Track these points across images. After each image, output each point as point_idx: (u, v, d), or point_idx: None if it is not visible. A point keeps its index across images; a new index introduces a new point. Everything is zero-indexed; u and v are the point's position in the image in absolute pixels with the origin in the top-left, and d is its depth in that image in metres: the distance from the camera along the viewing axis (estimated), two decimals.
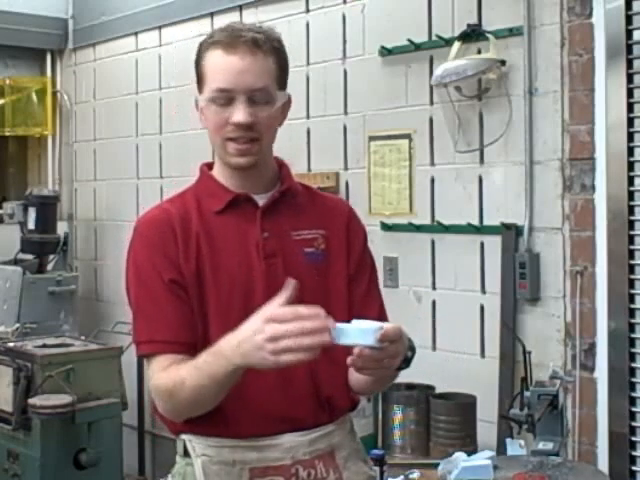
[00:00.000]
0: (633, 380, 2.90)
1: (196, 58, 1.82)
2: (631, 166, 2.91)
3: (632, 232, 2.91)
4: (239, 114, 1.71)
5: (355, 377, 1.80)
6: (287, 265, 1.78)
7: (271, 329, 1.47)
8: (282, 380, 1.73)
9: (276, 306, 1.50)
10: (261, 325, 1.48)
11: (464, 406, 3.10)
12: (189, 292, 1.74)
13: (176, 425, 1.79)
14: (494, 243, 3.23)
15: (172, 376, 1.68)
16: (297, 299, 1.53)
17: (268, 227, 1.80)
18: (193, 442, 1.77)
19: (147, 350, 1.74)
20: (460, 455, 2.77)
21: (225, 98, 1.73)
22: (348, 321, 1.56)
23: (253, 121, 1.72)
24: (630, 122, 2.90)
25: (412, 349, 1.73)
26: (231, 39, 1.73)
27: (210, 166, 1.90)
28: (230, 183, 1.82)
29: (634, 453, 2.90)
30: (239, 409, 1.73)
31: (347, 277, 1.85)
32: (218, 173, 1.84)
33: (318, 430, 1.80)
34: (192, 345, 1.71)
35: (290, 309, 1.48)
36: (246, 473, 1.73)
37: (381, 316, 1.89)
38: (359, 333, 1.51)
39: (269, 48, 1.74)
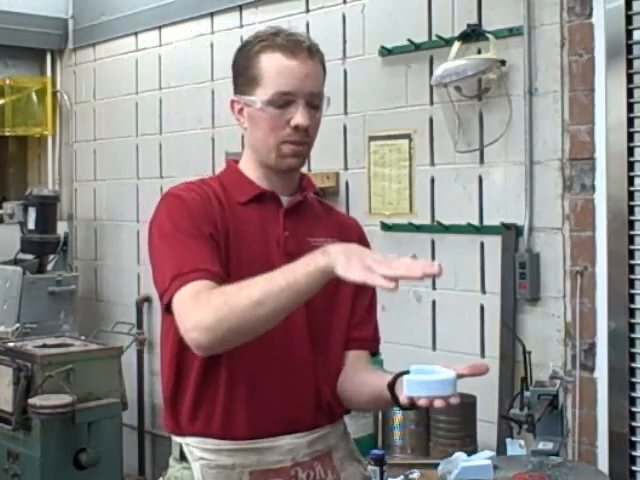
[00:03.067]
0: (633, 380, 2.90)
1: (243, 60, 1.82)
2: (631, 166, 2.91)
3: (632, 232, 2.91)
4: (301, 117, 1.76)
5: (353, 390, 1.82)
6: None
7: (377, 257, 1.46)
8: (285, 382, 1.74)
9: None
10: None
11: (464, 406, 3.10)
12: (221, 251, 1.72)
13: (176, 421, 1.77)
14: (494, 243, 3.23)
15: (215, 291, 1.59)
16: (308, 301, 1.61)
17: (289, 227, 1.84)
18: (190, 446, 1.76)
19: (176, 285, 1.63)
20: (460, 455, 2.77)
21: (285, 101, 1.76)
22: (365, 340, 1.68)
23: (310, 124, 1.79)
24: (630, 122, 2.90)
25: None
26: (292, 44, 1.78)
27: (236, 162, 1.93)
28: (261, 182, 1.85)
29: (634, 453, 2.90)
30: (241, 409, 1.74)
31: (354, 290, 1.86)
32: (248, 170, 1.87)
33: (316, 432, 1.81)
34: (224, 280, 1.64)
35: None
36: (246, 477, 1.73)
37: (375, 335, 1.96)
38: (439, 385, 1.52)
39: (320, 55, 1.83)
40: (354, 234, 1.97)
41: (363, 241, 1.98)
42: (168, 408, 1.80)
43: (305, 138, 1.80)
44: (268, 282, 1.55)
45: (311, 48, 1.79)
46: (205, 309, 1.58)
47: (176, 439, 1.79)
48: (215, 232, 1.73)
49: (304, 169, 4.00)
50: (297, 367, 1.80)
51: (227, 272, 1.71)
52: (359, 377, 1.83)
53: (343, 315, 1.88)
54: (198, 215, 1.73)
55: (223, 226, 1.76)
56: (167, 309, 1.68)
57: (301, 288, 1.54)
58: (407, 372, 1.59)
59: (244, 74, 1.81)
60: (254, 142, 1.83)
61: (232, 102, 1.85)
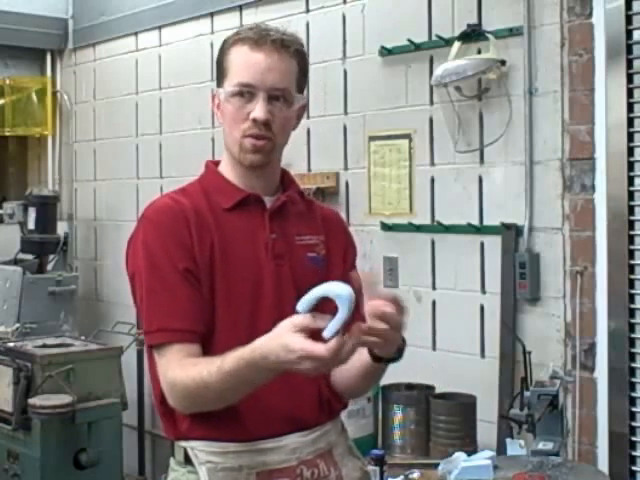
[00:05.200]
0: (633, 380, 2.90)
1: (219, 54, 1.82)
2: (631, 166, 2.91)
3: (632, 232, 2.91)
4: (259, 111, 1.73)
5: (344, 377, 1.83)
6: (293, 267, 1.82)
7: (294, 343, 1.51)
8: (288, 380, 1.72)
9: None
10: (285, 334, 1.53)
11: (464, 406, 3.10)
12: (202, 282, 1.72)
13: (177, 429, 1.76)
14: (494, 243, 3.23)
15: (192, 374, 1.64)
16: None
17: (276, 229, 1.82)
18: (195, 449, 1.74)
19: (160, 339, 1.70)
20: (460, 455, 2.77)
21: (246, 94, 1.75)
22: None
23: (270, 119, 1.75)
24: (630, 122, 2.90)
25: (403, 340, 1.77)
26: (259, 37, 1.75)
27: (216, 164, 1.90)
28: (240, 182, 1.83)
29: (634, 453, 2.90)
30: (245, 410, 1.73)
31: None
32: (227, 171, 1.85)
33: (318, 429, 1.82)
34: (203, 336, 1.71)
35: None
36: (253, 478, 1.73)
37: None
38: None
39: (294, 50, 1.78)
40: (340, 229, 1.99)
41: (347, 233, 2.01)
42: (168, 416, 1.77)
43: (266, 133, 1.75)
44: (222, 380, 1.60)
45: (280, 42, 1.75)
46: (179, 394, 1.68)
47: (180, 443, 1.77)
48: (192, 264, 1.71)
49: (304, 169, 4.02)
50: None
51: (215, 286, 1.73)
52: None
53: None
54: (172, 246, 1.72)
55: (201, 248, 1.73)
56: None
57: (253, 385, 1.65)
58: None
59: (218, 68, 1.81)
60: (225, 137, 1.82)
61: (212, 97, 1.84)
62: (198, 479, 1.73)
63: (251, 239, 1.80)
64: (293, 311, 1.62)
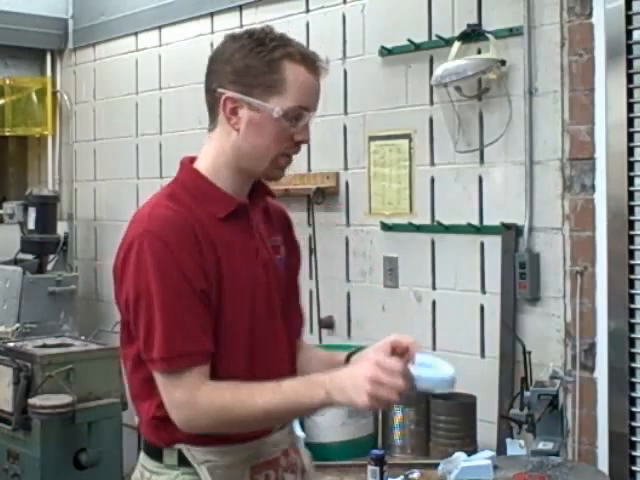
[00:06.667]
0: (633, 380, 2.90)
1: (258, 62, 1.72)
2: (631, 166, 2.90)
3: (632, 232, 2.90)
4: (307, 135, 1.76)
5: (310, 368, 1.93)
6: (274, 273, 1.84)
7: (374, 373, 1.58)
8: (278, 365, 1.82)
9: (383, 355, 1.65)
10: (369, 367, 1.59)
11: (464, 406, 3.10)
12: (212, 300, 1.70)
13: (172, 437, 1.73)
14: (494, 243, 3.23)
15: (227, 395, 1.65)
16: (283, 304, 1.82)
17: (257, 235, 1.82)
18: (192, 450, 1.73)
19: (184, 364, 1.65)
20: (460, 455, 2.77)
21: (297, 115, 1.73)
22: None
23: None
24: (630, 122, 2.89)
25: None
26: (313, 58, 1.75)
27: (192, 161, 1.85)
28: (227, 186, 1.78)
29: (634, 453, 2.90)
30: None
31: (294, 280, 1.98)
32: (216, 177, 1.79)
33: (289, 423, 1.91)
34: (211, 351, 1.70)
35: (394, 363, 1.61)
36: (247, 471, 1.76)
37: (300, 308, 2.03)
38: (439, 383, 1.69)
39: None
40: (290, 227, 1.99)
41: (293, 230, 2.01)
42: (155, 425, 1.75)
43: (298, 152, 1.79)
44: (269, 403, 1.64)
45: (325, 68, 1.77)
46: (204, 418, 1.66)
47: (173, 446, 1.75)
48: (205, 283, 1.67)
49: (304, 169, 4.02)
50: (281, 365, 1.84)
51: (222, 301, 1.71)
52: (308, 355, 1.98)
53: (294, 307, 1.97)
54: (186, 265, 1.65)
55: (210, 261, 1.69)
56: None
57: (299, 414, 1.82)
58: (359, 350, 1.83)
59: (257, 77, 1.71)
60: (247, 148, 1.75)
61: (227, 99, 1.74)
62: (194, 479, 1.74)
63: (245, 249, 1.78)
64: (283, 321, 1.81)
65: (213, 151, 1.81)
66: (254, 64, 1.71)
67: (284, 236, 1.94)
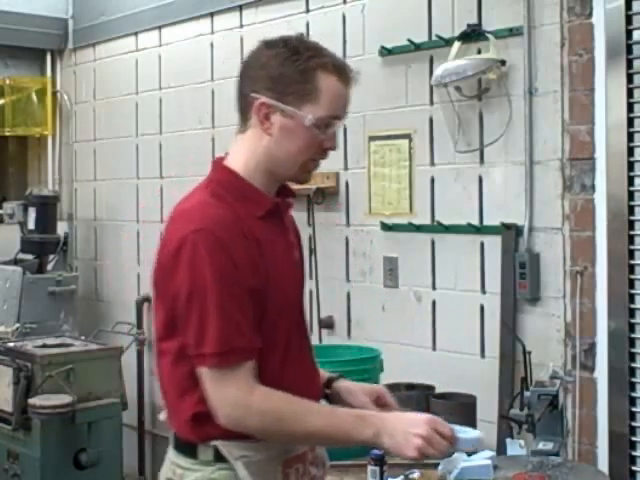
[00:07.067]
0: (633, 380, 2.90)
1: (293, 70, 1.78)
2: (631, 166, 2.90)
3: (632, 232, 2.90)
4: (335, 142, 1.85)
5: None
6: (301, 273, 1.94)
7: (428, 432, 1.72)
8: (312, 381, 1.90)
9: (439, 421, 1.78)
10: (423, 424, 1.73)
11: (464, 406, 3.10)
12: (259, 299, 1.74)
13: (208, 434, 1.76)
14: (494, 243, 3.23)
15: (282, 404, 1.72)
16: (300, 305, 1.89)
17: (287, 234, 1.90)
18: (228, 446, 1.76)
19: (238, 359, 1.70)
20: (460, 455, 2.76)
21: (328, 124, 1.81)
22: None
23: None
24: (630, 122, 2.89)
25: None
26: (346, 70, 1.84)
27: (222, 160, 1.89)
28: (264, 188, 1.84)
29: (634, 453, 2.90)
30: None
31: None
32: (252, 177, 1.83)
33: None
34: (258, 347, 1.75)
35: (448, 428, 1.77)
36: (280, 466, 1.80)
37: None
38: (475, 442, 2.06)
39: None
40: (295, 224, 2.03)
41: (295, 224, 2.04)
42: (193, 421, 1.77)
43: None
44: (320, 427, 1.73)
45: (355, 80, 1.86)
46: (255, 420, 1.71)
47: (209, 443, 1.77)
48: (256, 282, 1.72)
49: None
50: (312, 356, 1.94)
51: (266, 300, 1.75)
52: None
53: None
54: (241, 265, 1.70)
55: (259, 260, 1.74)
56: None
57: (341, 444, 1.94)
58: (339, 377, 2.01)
59: (291, 85, 1.77)
60: (278, 152, 1.80)
61: (261, 104, 1.78)
62: (229, 474, 1.76)
63: (282, 249, 1.85)
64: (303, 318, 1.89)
65: (245, 153, 1.85)
66: (289, 72, 1.78)
67: (297, 239, 1.99)
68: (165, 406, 1.87)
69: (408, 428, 1.71)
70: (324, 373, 2.02)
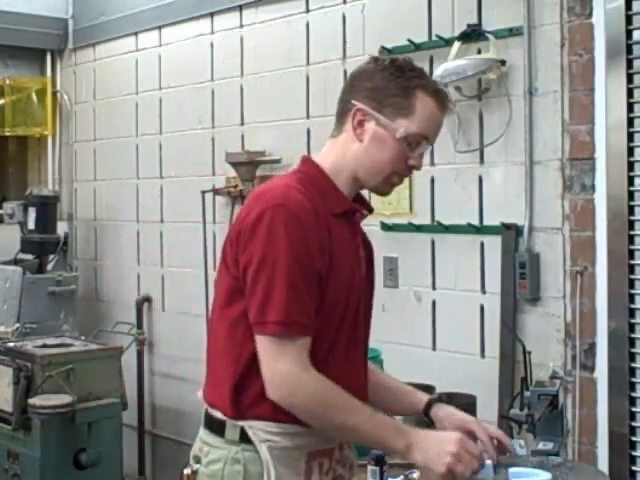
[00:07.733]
0: (633, 380, 2.90)
1: (394, 85, 1.87)
2: (631, 166, 2.91)
3: (632, 232, 2.91)
4: (421, 162, 1.92)
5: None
6: (366, 279, 1.98)
7: (459, 450, 1.79)
8: (355, 370, 1.92)
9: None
10: (454, 443, 1.80)
11: (464, 406, 3.08)
12: (321, 285, 1.80)
13: (239, 408, 1.81)
14: (494, 243, 3.23)
15: (330, 393, 1.76)
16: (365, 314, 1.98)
17: (360, 245, 1.97)
18: (254, 428, 1.80)
19: (296, 332, 1.75)
20: None
21: (418, 142, 1.88)
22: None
23: None
24: (630, 122, 2.90)
25: None
26: (443, 95, 1.93)
27: (312, 159, 1.95)
28: (345, 191, 1.92)
29: (634, 453, 2.90)
30: None
31: (372, 298, 2.09)
32: (337, 179, 1.91)
33: None
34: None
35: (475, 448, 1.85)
36: (304, 457, 1.84)
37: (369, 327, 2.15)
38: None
39: None
40: (371, 245, 2.11)
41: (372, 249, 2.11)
42: (231, 391, 1.82)
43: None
44: (360, 424, 1.79)
45: (451, 106, 1.92)
46: (303, 397, 1.76)
47: (236, 422, 1.82)
48: (323, 267, 1.78)
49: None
50: (362, 356, 1.98)
51: (326, 289, 1.80)
52: (372, 378, 2.09)
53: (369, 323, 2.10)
54: (314, 248, 1.77)
55: (326, 250, 1.80)
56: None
57: (373, 447, 2.08)
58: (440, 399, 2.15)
59: (390, 97, 1.86)
60: (366, 159, 1.88)
61: (357, 110, 1.88)
62: (253, 457, 1.81)
63: (350, 249, 1.91)
64: (364, 329, 1.99)
65: (334, 154, 1.93)
66: (390, 86, 1.87)
67: (368, 252, 2.04)
68: (207, 375, 1.93)
69: (440, 445, 1.80)
70: (422, 396, 2.14)
